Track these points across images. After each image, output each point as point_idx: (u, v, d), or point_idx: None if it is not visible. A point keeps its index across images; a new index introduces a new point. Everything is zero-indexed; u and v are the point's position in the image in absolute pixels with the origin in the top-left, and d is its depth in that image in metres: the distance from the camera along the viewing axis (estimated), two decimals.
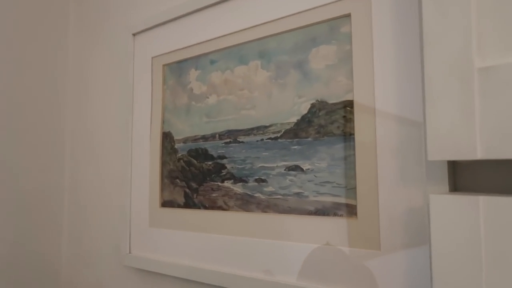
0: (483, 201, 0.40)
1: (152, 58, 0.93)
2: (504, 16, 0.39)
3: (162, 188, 0.88)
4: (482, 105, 0.40)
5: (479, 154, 0.40)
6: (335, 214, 0.60)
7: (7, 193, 1.05)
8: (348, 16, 0.61)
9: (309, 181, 0.63)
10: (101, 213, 1.08)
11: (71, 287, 1.15)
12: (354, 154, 0.58)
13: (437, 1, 0.44)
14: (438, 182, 0.49)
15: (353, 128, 0.59)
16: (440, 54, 0.43)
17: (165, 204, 0.87)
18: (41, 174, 1.13)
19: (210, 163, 0.78)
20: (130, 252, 0.93)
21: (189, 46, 0.85)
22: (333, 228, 0.60)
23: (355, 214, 0.58)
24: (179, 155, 0.85)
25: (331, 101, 0.62)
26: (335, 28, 0.62)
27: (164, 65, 0.90)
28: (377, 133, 0.56)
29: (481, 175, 0.51)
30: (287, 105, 0.67)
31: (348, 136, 0.59)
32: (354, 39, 0.60)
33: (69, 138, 1.20)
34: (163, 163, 0.88)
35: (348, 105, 0.60)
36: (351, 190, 0.58)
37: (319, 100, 0.63)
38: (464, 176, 0.52)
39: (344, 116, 0.60)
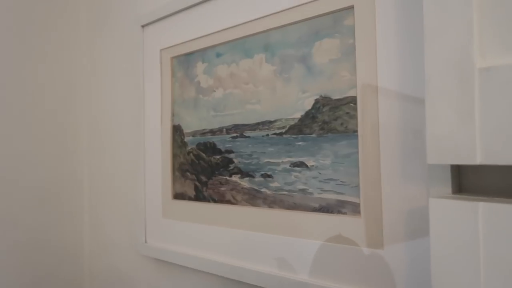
0: (483, 207, 0.39)
1: (160, 50, 0.93)
2: (507, 14, 0.37)
3: (174, 180, 0.89)
4: (482, 107, 0.38)
5: (479, 159, 0.38)
6: (339, 212, 0.60)
7: (30, 182, 1.10)
8: (351, 8, 0.59)
9: (313, 177, 0.63)
10: (118, 203, 1.11)
11: (93, 274, 1.20)
12: (357, 152, 0.57)
13: None
14: (441, 183, 0.48)
15: (356, 125, 0.58)
16: (441, 52, 0.41)
17: (177, 196, 0.88)
18: (60, 164, 1.17)
19: (218, 157, 0.79)
20: (146, 242, 0.96)
21: (196, 38, 0.84)
22: (337, 225, 0.60)
23: (359, 212, 0.57)
24: (189, 148, 0.86)
25: (334, 97, 0.60)
26: (338, 21, 0.60)
27: (172, 58, 0.90)
28: (380, 131, 0.55)
29: (487, 176, 0.49)
30: (291, 100, 0.66)
31: (351, 133, 0.58)
32: (357, 32, 0.58)
33: (86, 130, 1.23)
34: (174, 156, 0.89)
35: (352, 101, 0.58)
36: (355, 188, 0.58)
37: (322, 95, 0.62)
38: (470, 177, 0.50)
39: (348, 113, 0.59)
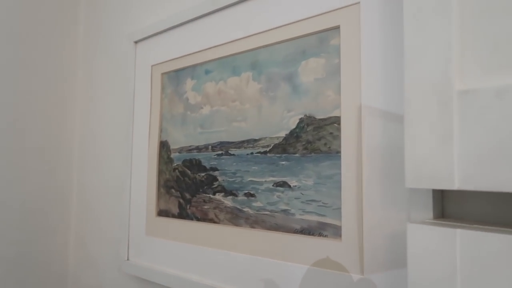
0: (461, 234, 0.37)
1: (151, 66, 0.93)
2: (486, 37, 0.37)
3: (159, 197, 0.88)
4: (461, 131, 0.37)
5: (457, 184, 0.37)
6: (320, 234, 0.58)
7: (16, 196, 1.08)
8: (337, 28, 0.58)
9: (296, 198, 0.61)
10: (104, 218, 1.09)
11: None
12: (340, 173, 0.56)
13: (418, 18, 0.41)
14: (422, 208, 0.46)
15: (339, 145, 0.56)
16: (420, 74, 0.41)
17: (161, 213, 0.87)
18: (48, 179, 1.15)
19: (203, 174, 0.77)
20: (128, 259, 0.94)
21: (186, 55, 0.84)
22: (317, 248, 0.58)
23: (340, 235, 0.55)
24: (175, 164, 0.84)
25: (319, 117, 0.60)
26: (324, 40, 0.60)
27: (162, 74, 0.90)
28: (364, 153, 0.53)
29: (471, 201, 0.48)
30: (277, 118, 0.65)
31: (334, 154, 0.57)
32: (343, 52, 0.57)
33: (77, 144, 1.22)
34: (160, 172, 0.88)
35: (336, 122, 0.57)
36: (337, 210, 0.56)
37: (307, 115, 0.61)
38: (453, 202, 0.49)
39: (331, 133, 0.58)
